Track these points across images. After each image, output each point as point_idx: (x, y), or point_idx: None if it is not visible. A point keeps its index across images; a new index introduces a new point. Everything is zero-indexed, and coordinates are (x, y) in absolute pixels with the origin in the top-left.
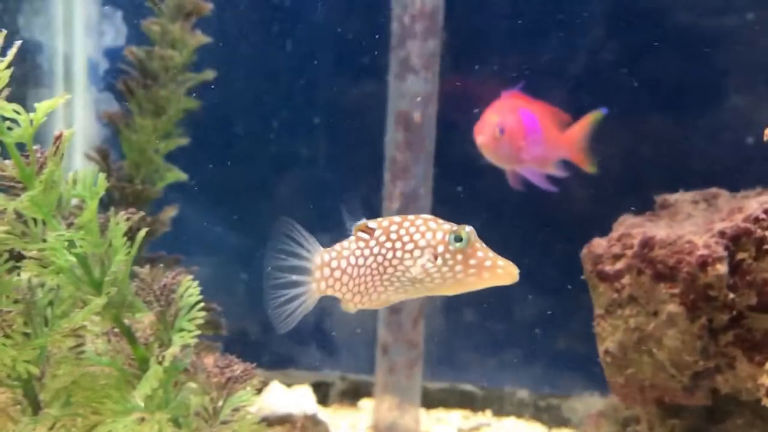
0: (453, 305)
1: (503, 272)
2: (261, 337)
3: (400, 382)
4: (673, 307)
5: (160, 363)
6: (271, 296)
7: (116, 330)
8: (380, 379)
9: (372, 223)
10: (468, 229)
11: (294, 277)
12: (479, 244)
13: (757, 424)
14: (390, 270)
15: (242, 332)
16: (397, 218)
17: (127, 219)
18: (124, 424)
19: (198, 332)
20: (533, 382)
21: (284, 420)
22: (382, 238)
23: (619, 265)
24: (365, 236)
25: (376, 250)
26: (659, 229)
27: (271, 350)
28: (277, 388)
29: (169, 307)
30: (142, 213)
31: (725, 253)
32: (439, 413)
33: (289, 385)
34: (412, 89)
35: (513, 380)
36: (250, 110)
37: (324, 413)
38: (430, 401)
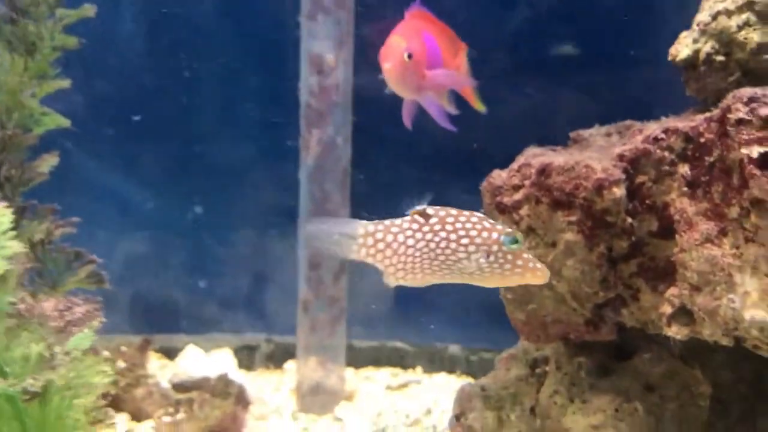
0: None
1: (540, 273)
2: (183, 301)
3: (322, 340)
4: (570, 236)
5: None
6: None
7: None
8: (302, 337)
9: (431, 210)
10: (520, 234)
11: (336, 236)
12: (525, 246)
13: (664, 358)
14: (441, 257)
15: (166, 297)
16: (453, 211)
17: None
18: None
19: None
20: (465, 338)
21: (200, 385)
22: (437, 227)
23: (518, 195)
24: (421, 220)
25: (429, 236)
26: (560, 157)
27: (192, 315)
28: (193, 352)
29: None
30: None
31: (623, 176)
32: (368, 371)
33: (212, 349)
34: (324, 30)
35: (444, 336)
36: (156, 57)
37: (248, 377)
38: (359, 360)
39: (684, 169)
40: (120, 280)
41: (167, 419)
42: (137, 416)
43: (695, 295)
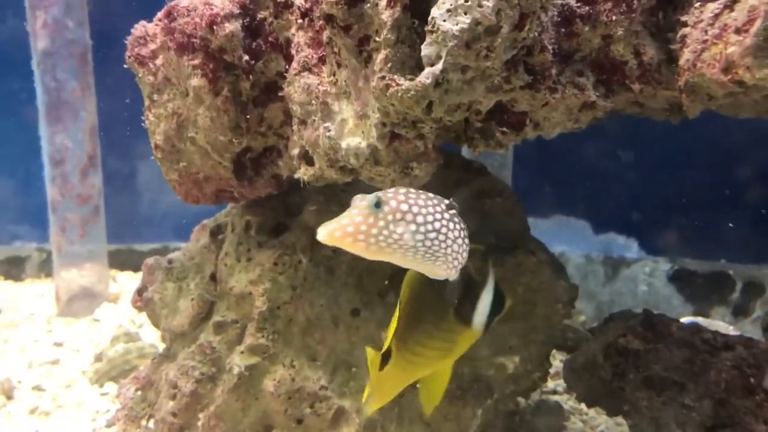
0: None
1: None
2: None
3: (74, 241)
4: (196, 81)
5: None
6: None
7: None
8: (55, 240)
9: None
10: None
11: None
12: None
13: (332, 210)
14: None
15: None
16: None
17: None
18: None
19: None
20: None
21: None
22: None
23: (153, 45)
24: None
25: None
26: None
27: None
28: None
29: None
30: None
31: (237, 11)
32: None
33: None
34: None
35: None
36: None
37: (15, 287)
38: (139, 263)
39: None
40: None
41: None
42: None
43: (302, 130)
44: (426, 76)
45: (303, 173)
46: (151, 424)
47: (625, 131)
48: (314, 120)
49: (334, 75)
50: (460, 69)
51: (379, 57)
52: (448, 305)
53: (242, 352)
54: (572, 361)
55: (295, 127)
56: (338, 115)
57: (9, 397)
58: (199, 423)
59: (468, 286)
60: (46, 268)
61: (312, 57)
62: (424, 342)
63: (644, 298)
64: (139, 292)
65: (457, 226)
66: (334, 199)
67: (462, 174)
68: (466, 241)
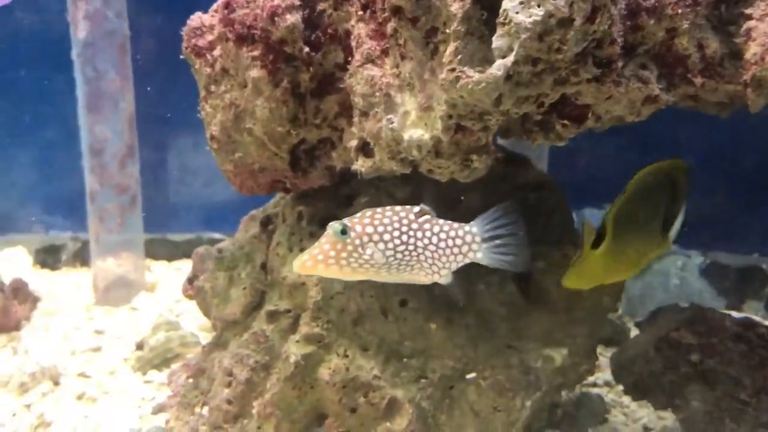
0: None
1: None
2: None
3: (112, 230)
4: (256, 72)
5: None
6: None
7: None
8: (93, 229)
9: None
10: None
11: None
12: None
13: (383, 202)
14: None
15: None
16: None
17: None
18: None
19: None
20: None
21: None
22: None
23: (210, 36)
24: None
25: None
26: None
27: None
28: None
29: None
30: None
31: (298, 2)
32: (181, 263)
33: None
34: None
35: None
36: None
37: (51, 276)
38: (174, 253)
39: None
40: None
41: None
42: None
43: (364, 121)
44: (498, 68)
45: (360, 165)
46: (204, 411)
47: (658, 125)
48: (376, 112)
49: (397, 67)
50: (531, 61)
51: (449, 49)
52: (659, 214)
53: (297, 341)
54: (620, 354)
55: (355, 119)
56: (401, 107)
57: (56, 383)
58: (254, 411)
59: (674, 201)
60: (80, 257)
61: (375, 49)
62: (632, 240)
63: (676, 292)
64: (190, 280)
65: (431, 231)
66: (385, 191)
67: (506, 167)
68: (450, 234)
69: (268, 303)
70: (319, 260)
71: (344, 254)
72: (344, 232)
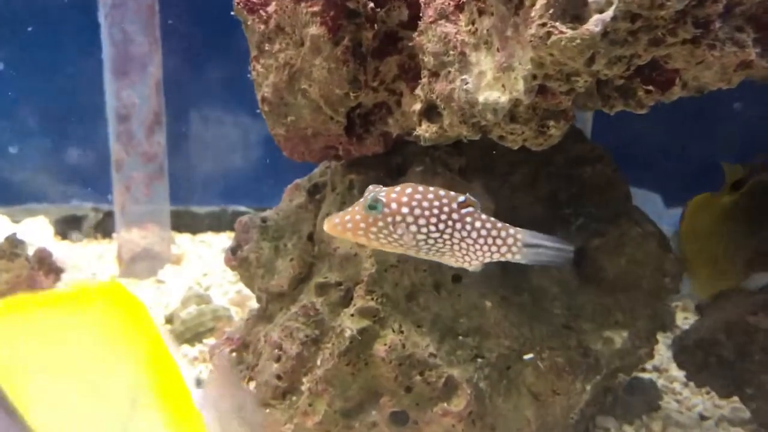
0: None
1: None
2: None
3: (139, 200)
4: (315, 30)
5: None
6: None
7: None
8: (118, 199)
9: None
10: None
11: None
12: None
13: (439, 172)
14: None
15: None
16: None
17: None
18: None
19: None
20: None
21: None
22: None
23: None
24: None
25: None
26: None
27: (11, 186)
28: None
29: None
30: None
31: None
32: (206, 236)
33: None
34: None
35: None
36: None
37: (73, 247)
38: (198, 226)
39: None
40: None
41: None
42: None
43: (434, 82)
44: (595, 23)
45: (424, 130)
46: (251, 386)
47: (700, 105)
48: (449, 72)
49: (473, 24)
50: (630, 18)
51: (539, 2)
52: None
53: (352, 315)
54: (684, 338)
55: (424, 80)
56: (476, 67)
57: None
58: (304, 387)
59: None
60: (102, 228)
61: (449, 4)
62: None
63: None
64: (233, 251)
65: (471, 225)
66: (440, 161)
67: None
68: (492, 233)
69: (317, 275)
70: (348, 228)
71: (374, 228)
72: (374, 206)
